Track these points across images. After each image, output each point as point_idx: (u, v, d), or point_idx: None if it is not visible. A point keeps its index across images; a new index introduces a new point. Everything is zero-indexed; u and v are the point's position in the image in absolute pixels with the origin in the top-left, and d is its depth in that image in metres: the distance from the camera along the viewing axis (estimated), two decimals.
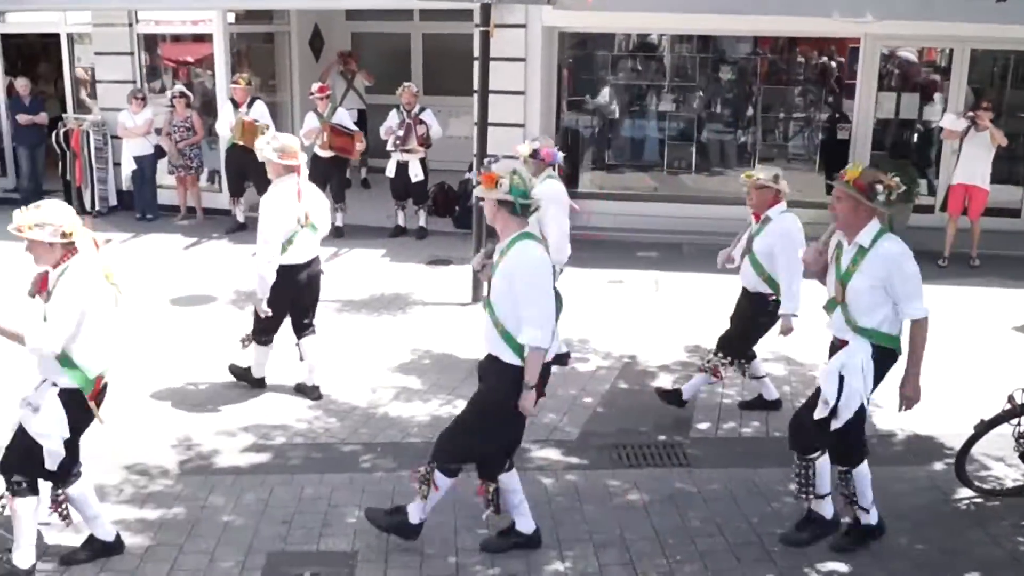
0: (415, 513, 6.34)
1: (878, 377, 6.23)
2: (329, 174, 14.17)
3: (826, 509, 6.52)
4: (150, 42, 16.73)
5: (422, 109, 14.15)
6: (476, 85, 12.43)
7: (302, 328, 8.77)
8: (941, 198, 13.81)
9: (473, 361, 9.64)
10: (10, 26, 17.87)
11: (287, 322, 8.75)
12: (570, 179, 14.83)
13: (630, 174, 16.24)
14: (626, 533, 6.63)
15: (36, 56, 19.70)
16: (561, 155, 9.06)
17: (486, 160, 11.60)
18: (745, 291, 8.31)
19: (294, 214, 8.24)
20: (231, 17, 16.22)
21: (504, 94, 13.63)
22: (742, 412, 8.63)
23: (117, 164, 16.12)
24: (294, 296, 8.55)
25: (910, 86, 15.07)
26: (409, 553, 6.38)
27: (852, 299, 6.15)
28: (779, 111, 15.78)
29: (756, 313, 8.18)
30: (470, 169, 14.24)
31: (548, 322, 5.94)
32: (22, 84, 16.71)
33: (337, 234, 13.81)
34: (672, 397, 8.52)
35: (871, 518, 6.51)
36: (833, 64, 15.49)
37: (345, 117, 14.36)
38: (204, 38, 16.29)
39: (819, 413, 6.21)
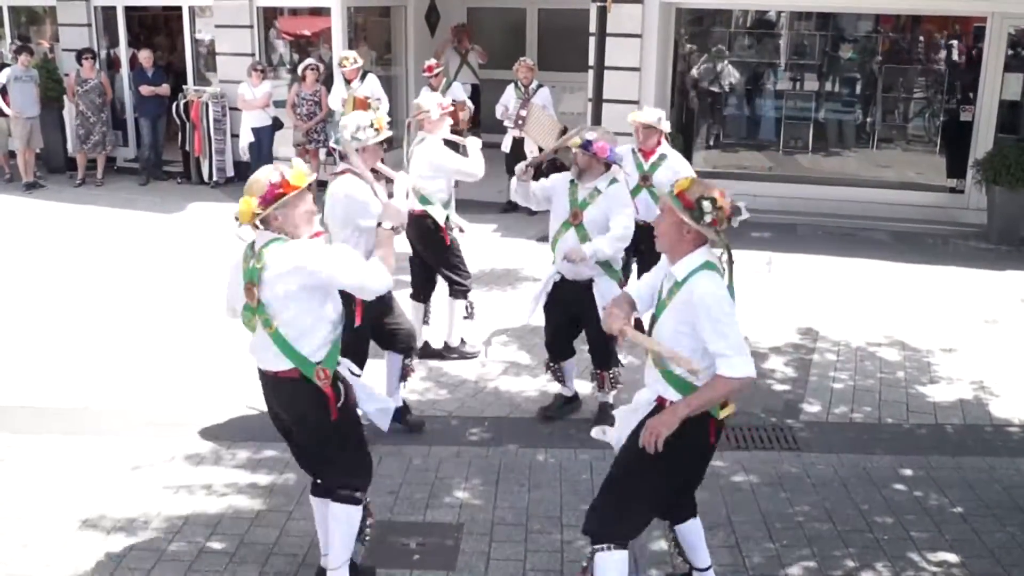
0: None
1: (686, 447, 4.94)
2: None
3: None
4: (269, 15, 16.97)
5: (539, 86, 14.10)
6: (592, 61, 12.40)
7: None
8: None
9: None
10: None
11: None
12: (684, 157, 14.69)
13: (745, 153, 16.08)
14: (733, 515, 6.57)
15: (158, 28, 20.11)
16: (622, 152, 8.00)
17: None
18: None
19: None
20: None
21: (619, 70, 13.57)
22: (854, 396, 8.49)
23: (235, 135, 16.40)
24: None
25: None
26: (514, 528, 6.42)
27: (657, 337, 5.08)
28: (899, 91, 15.46)
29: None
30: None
31: None
32: (145, 56, 17.06)
33: None
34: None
35: None
36: (957, 43, 15.10)
37: (460, 92, 14.40)
38: (322, 12, 16.47)
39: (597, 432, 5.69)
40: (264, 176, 5.12)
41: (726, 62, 15.60)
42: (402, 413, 7.79)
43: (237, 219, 5.17)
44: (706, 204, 4.81)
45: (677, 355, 4.85)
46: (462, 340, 9.40)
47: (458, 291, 9.06)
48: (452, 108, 9.08)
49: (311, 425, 5.38)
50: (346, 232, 6.97)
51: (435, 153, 8.54)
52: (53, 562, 6.02)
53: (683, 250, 4.94)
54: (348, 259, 5.28)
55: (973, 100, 14.27)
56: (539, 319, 7.97)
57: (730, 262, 5.00)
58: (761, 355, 9.34)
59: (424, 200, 8.56)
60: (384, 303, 7.43)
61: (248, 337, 5.37)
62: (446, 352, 9.33)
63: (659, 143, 8.97)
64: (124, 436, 7.68)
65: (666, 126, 8.99)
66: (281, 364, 5.23)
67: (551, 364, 8.02)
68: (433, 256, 8.89)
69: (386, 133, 7.01)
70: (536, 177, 7.78)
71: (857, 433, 7.86)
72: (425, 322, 9.16)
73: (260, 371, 5.43)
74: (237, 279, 5.29)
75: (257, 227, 5.17)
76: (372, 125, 6.93)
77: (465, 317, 9.15)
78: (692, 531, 5.52)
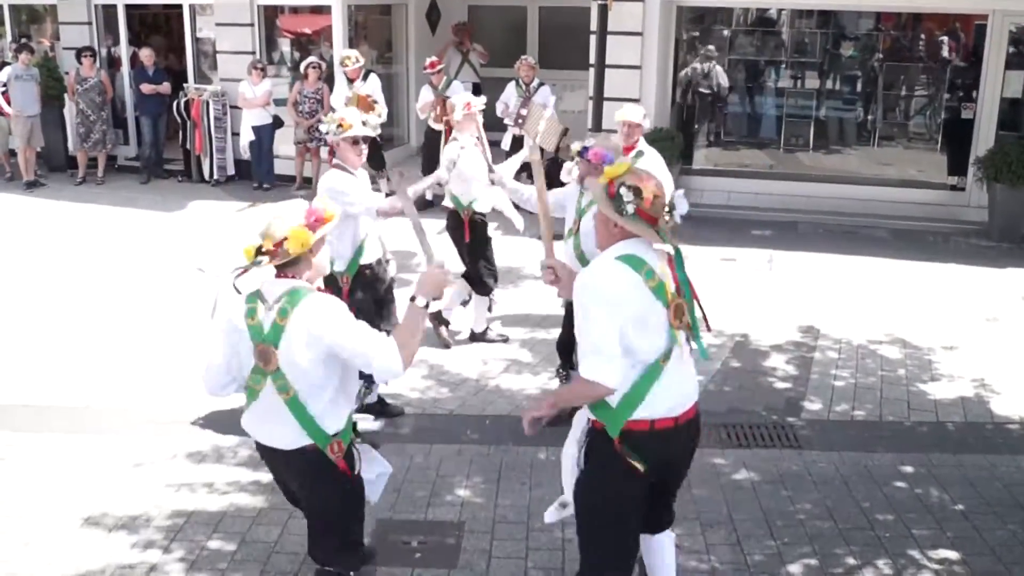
0: None
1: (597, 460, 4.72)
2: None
3: None
4: (270, 14, 16.95)
5: (540, 84, 14.11)
6: (592, 59, 12.38)
7: None
8: None
9: None
10: None
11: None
12: (684, 155, 14.71)
13: (745, 151, 16.05)
14: (734, 513, 6.58)
15: (159, 26, 20.10)
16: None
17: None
18: None
19: None
20: None
21: (620, 68, 13.55)
22: (856, 394, 8.48)
23: (236, 134, 16.39)
24: None
25: None
26: (516, 526, 6.43)
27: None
28: (900, 89, 15.45)
29: None
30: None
31: None
32: (146, 54, 17.03)
33: None
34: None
35: None
36: (958, 41, 15.09)
37: (460, 90, 14.37)
38: (322, 10, 16.43)
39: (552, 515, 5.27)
40: (292, 206, 4.58)
41: (727, 60, 15.59)
42: (380, 407, 8.01)
43: (286, 250, 4.45)
44: (624, 192, 4.34)
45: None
46: (488, 327, 9.70)
47: (480, 289, 9.38)
48: (483, 108, 9.22)
49: (319, 499, 4.97)
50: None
51: (448, 156, 8.76)
52: (55, 560, 6.02)
53: (609, 245, 4.55)
54: (364, 330, 4.59)
55: (974, 98, 14.24)
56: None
57: (676, 259, 4.51)
58: (762, 353, 9.35)
59: (455, 199, 9.02)
60: (382, 308, 7.54)
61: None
62: (472, 340, 9.67)
63: (638, 140, 9.00)
64: (125, 434, 7.69)
65: (647, 123, 9.06)
66: (295, 441, 4.69)
67: (561, 371, 8.00)
68: (468, 249, 9.15)
69: (356, 131, 7.09)
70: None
71: (858, 431, 7.86)
72: (463, 304, 9.49)
73: (262, 447, 4.90)
74: (240, 341, 4.63)
75: (246, 270, 4.55)
76: (334, 122, 7.12)
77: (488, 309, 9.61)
78: (659, 550, 5.13)
